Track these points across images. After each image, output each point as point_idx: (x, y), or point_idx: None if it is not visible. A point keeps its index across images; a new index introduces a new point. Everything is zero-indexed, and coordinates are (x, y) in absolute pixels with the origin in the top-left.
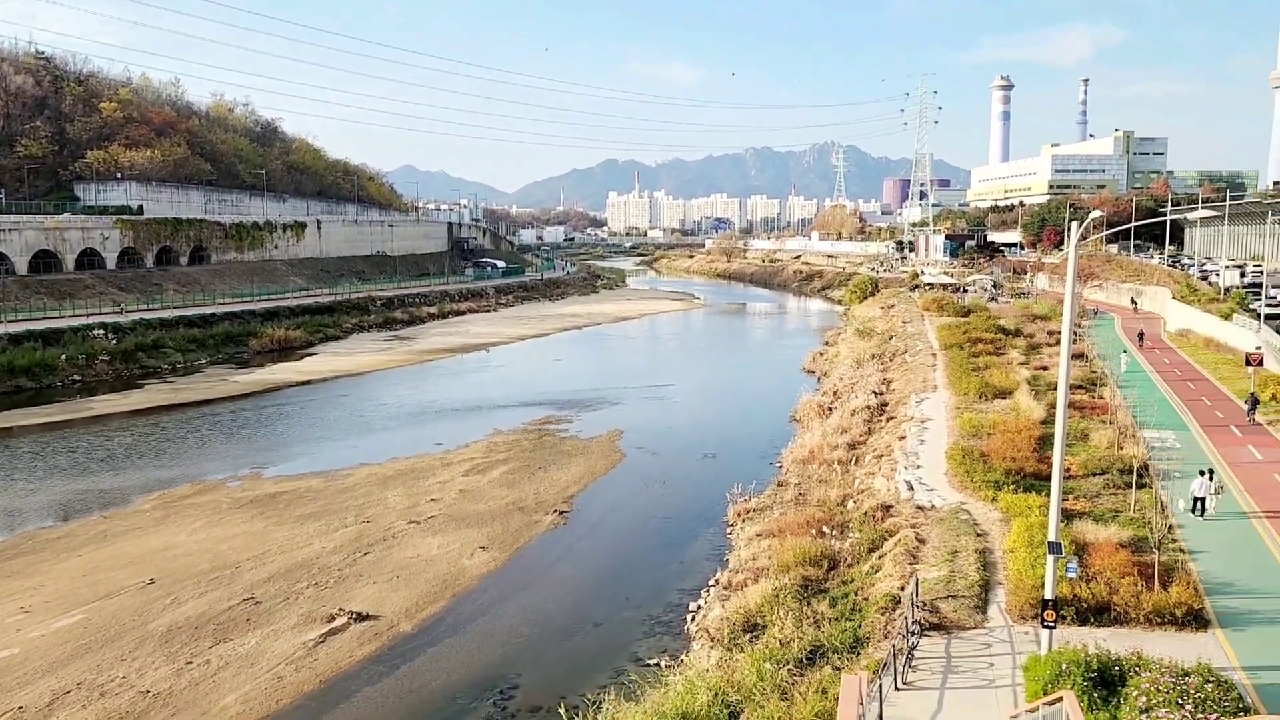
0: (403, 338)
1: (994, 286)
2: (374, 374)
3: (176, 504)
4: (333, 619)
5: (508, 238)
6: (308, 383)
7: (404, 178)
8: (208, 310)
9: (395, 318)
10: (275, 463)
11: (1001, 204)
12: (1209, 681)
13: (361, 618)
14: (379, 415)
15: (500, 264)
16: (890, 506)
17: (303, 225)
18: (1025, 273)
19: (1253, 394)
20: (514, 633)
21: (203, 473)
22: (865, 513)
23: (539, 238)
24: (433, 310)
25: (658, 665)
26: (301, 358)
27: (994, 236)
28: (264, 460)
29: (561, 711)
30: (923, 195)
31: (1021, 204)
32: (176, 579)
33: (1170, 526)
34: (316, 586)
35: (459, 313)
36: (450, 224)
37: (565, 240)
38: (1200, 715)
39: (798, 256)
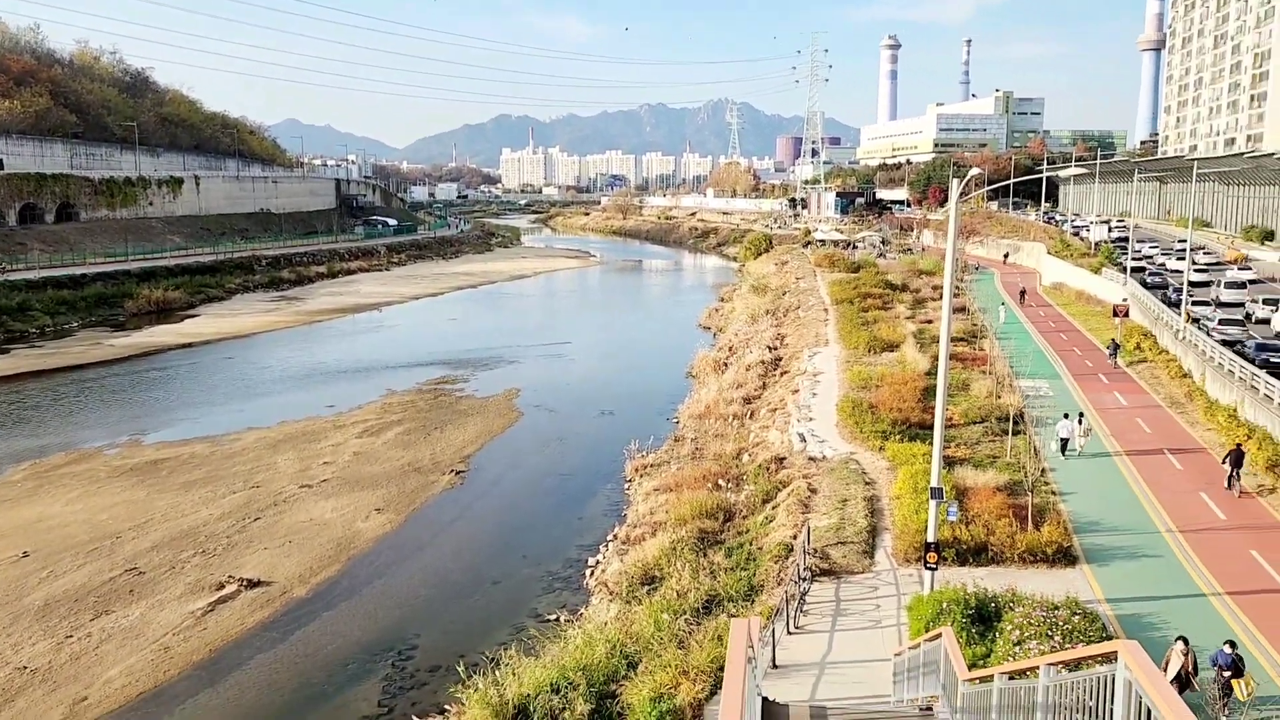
0: (290, 298)
1: (882, 243)
2: (261, 336)
3: (50, 474)
4: (222, 587)
5: (399, 195)
6: (189, 345)
7: (288, 132)
8: (78, 271)
9: (282, 278)
10: (156, 429)
11: (890, 162)
12: (1076, 614)
13: (253, 584)
14: (267, 378)
15: (392, 222)
16: (784, 459)
17: (179, 181)
18: (912, 229)
19: (1114, 340)
20: (412, 594)
21: (78, 440)
22: (760, 465)
23: (431, 195)
24: (322, 270)
25: (557, 620)
26: (182, 319)
27: (883, 194)
28: (144, 426)
29: (460, 669)
30: (815, 153)
31: (908, 162)
32: (53, 551)
33: (1043, 470)
34: (204, 555)
35: (349, 272)
36: (338, 180)
37: (459, 198)
38: (1068, 645)
39: (693, 214)
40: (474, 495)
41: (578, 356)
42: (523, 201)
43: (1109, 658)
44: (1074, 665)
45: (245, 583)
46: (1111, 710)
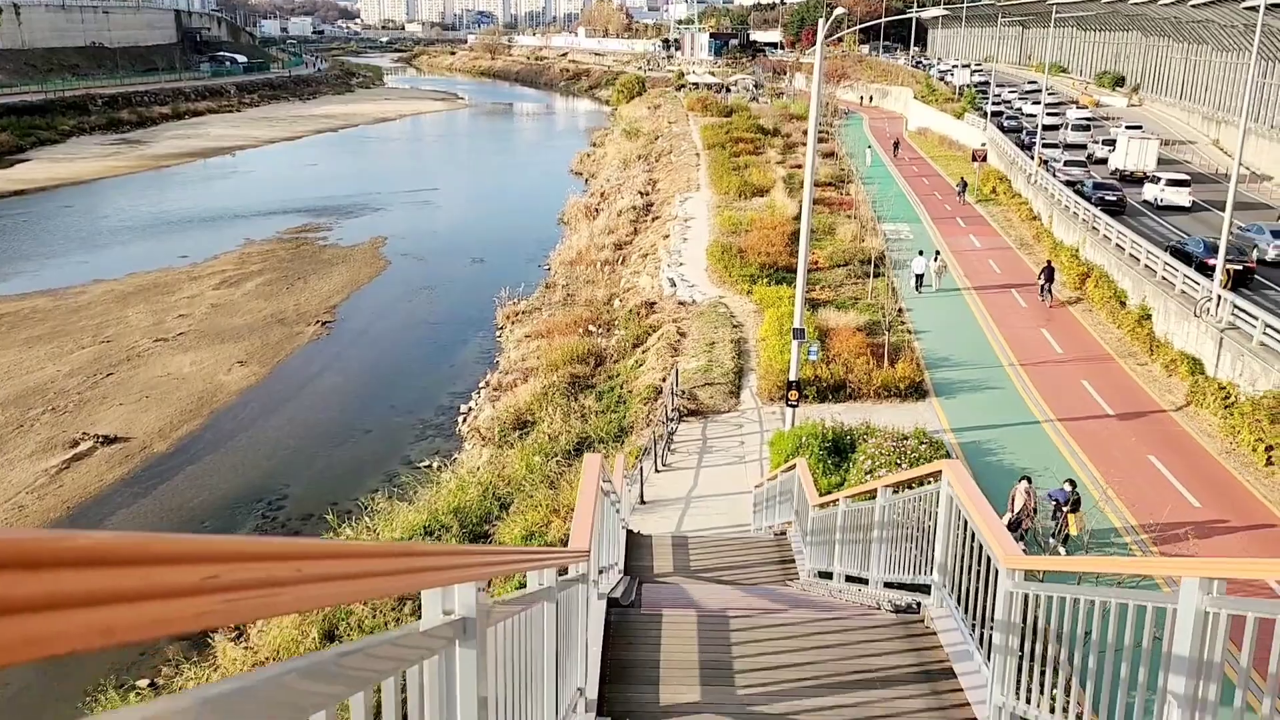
0: (133, 141)
1: (755, 86)
2: (102, 182)
3: None
4: (76, 444)
5: (248, 30)
6: (21, 193)
7: None
8: None
9: (122, 119)
10: None
11: (764, 2)
12: (923, 443)
13: (109, 441)
14: (112, 227)
15: (241, 59)
16: (654, 303)
17: None
18: (785, 73)
19: (963, 179)
20: (280, 445)
21: None
22: (630, 310)
23: (284, 30)
24: (166, 110)
25: (430, 467)
26: (12, 164)
27: (757, 36)
28: None
29: (330, 517)
30: None
31: (783, 2)
32: None
33: (900, 310)
34: (54, 412)
35: (197, 113)
36: (178, 12)
37: (314, 34)
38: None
39: (564, 54)
40: (342, 346)
41: (446, 203)
42: (384, 39)
43: (935, 476)
44: (907, 486)
45: (101, 439)
46: (935, 521)
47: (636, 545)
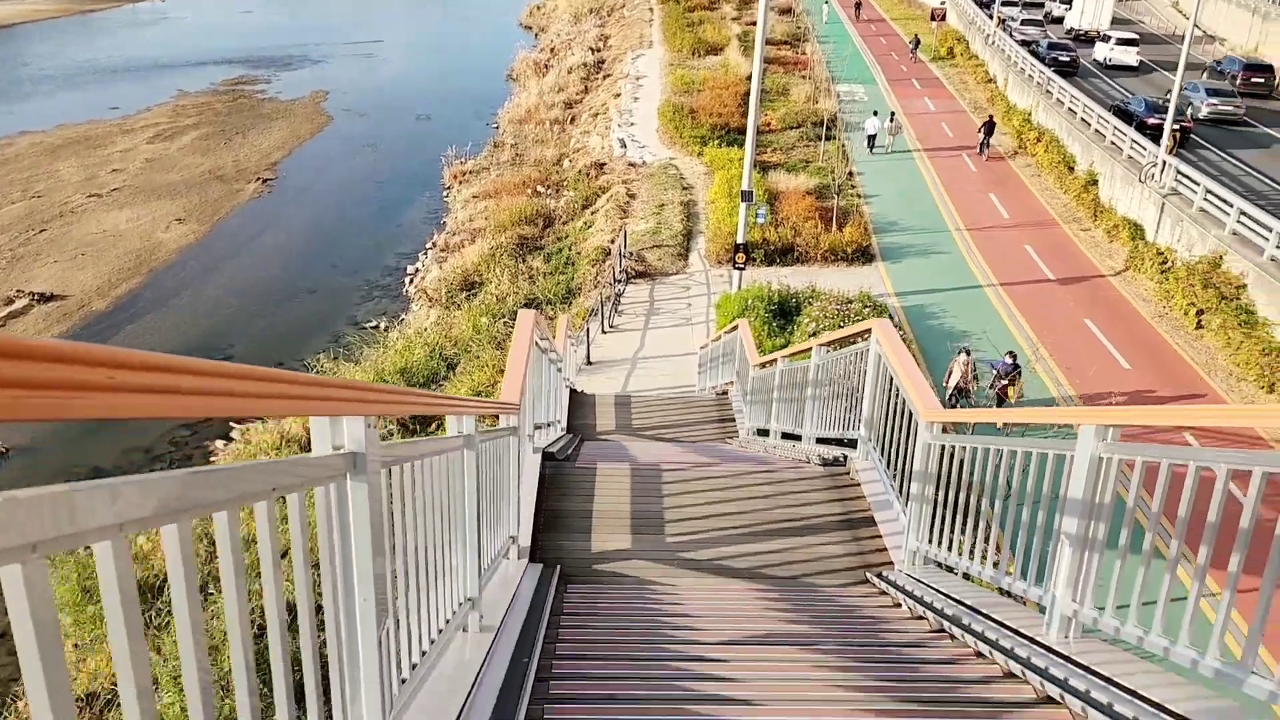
0: None
1: None
2: (23, 27)
3: None
4: (11, 301)
5: None
6: None
7: None
8: None
9: None
10: None
11: None
12: (867, 306)
13: (46, 299)
14: (36, 76)
15: None
16: (604, 164)
17: None
18: None
19: (916, 36)
20: (221, 304)
21: None
22: (580, 171)
23: None
24: None
25: (376, 327)
26: None
27: None
28: None
29: None
30: None
31: None
32: None
33: (851, 173)
34: None
35: None
36: None
37: None
38: None
39: None
40: (284, 203)
41: (390, 56)
42: None
43: (866, 335)
44: (840, 344)
45: (37, 296)
46: (864, 377)
47: (580, 404)
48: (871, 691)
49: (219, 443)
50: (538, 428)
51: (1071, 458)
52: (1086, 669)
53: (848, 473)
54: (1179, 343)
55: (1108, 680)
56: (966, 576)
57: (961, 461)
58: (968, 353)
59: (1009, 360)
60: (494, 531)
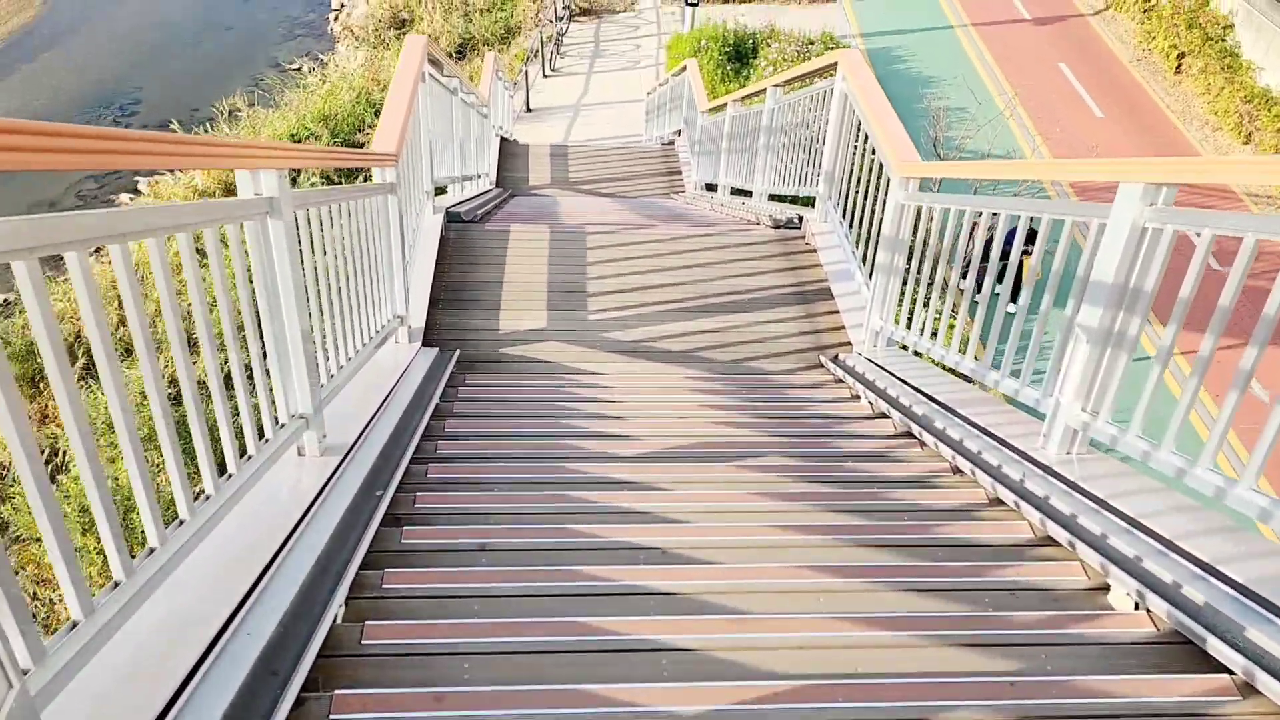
0: None
1: None
2: None
3: None
4: None
5: None
6: None
7: None
8: None
9: None
10: None
11: None
12: (830, 47)
13: None
14: None
15: None
16: None
17: None
18: None
19: None
20: (128, 42)
21: None
22: None
23: None
24: None
25: (299, 70)
26: None
27: None
28: None
29: (175, 126)
30: None
31: None
32: None
33: None
34: None
35: None
36: None
37: None
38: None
39: None
40: None
41: None
42: None
43: (830, 71)
44: (800, 84)
45: None
46: (827, 123)
47: (512, 155)
48: (825, 520)
49: (125, 196)
50: (447, 184)
51: (1100, 226)
52: (1102, 503)
53: (803, 236)
54: (1156, 89)
55: (1133, 523)
56: (938, 365)
57: (943, 229)
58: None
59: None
60: (372, 307)
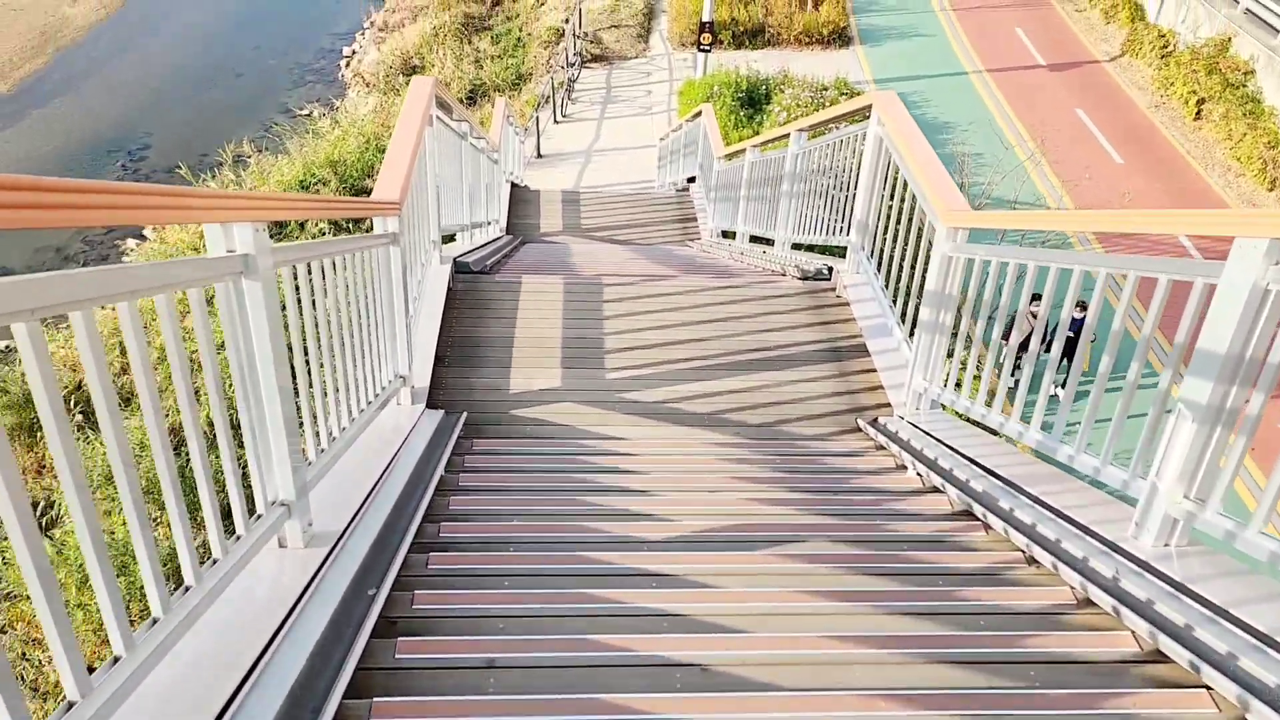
0: None
1: None
2: None
3: None
4: None
5: None
6: None
7: None
8: None
9: None
10: None
11: None
12: (844, 94)
13: None
14: None
15: None
16: None
17: None
18: None
19: None
20: (140, 88)
21: None
22: None
23: None
24: None
25: (309, 115)
26: None
27: None
28: None
29: (183, 170)
30: None
31: None
32: None
33: None
34: None
35: None
36: None
37: None
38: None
39: None
40: None
41: None
42: None
43: (862, 114)
44: (827, 128)
45: None
46: (859, 168)
47: (523, 201)
48: (894, 626)
49: (131, 242)
50: (458, 231)
51: (1208, 288)
52: (1222, 612)
53: (833, 288)
54: (1175, 135)
55: (1268, 641)
56: (991, 431)
57: (1000, 282)
58: (1038, 300)
59: (1079, 314)
60: (374, 365)
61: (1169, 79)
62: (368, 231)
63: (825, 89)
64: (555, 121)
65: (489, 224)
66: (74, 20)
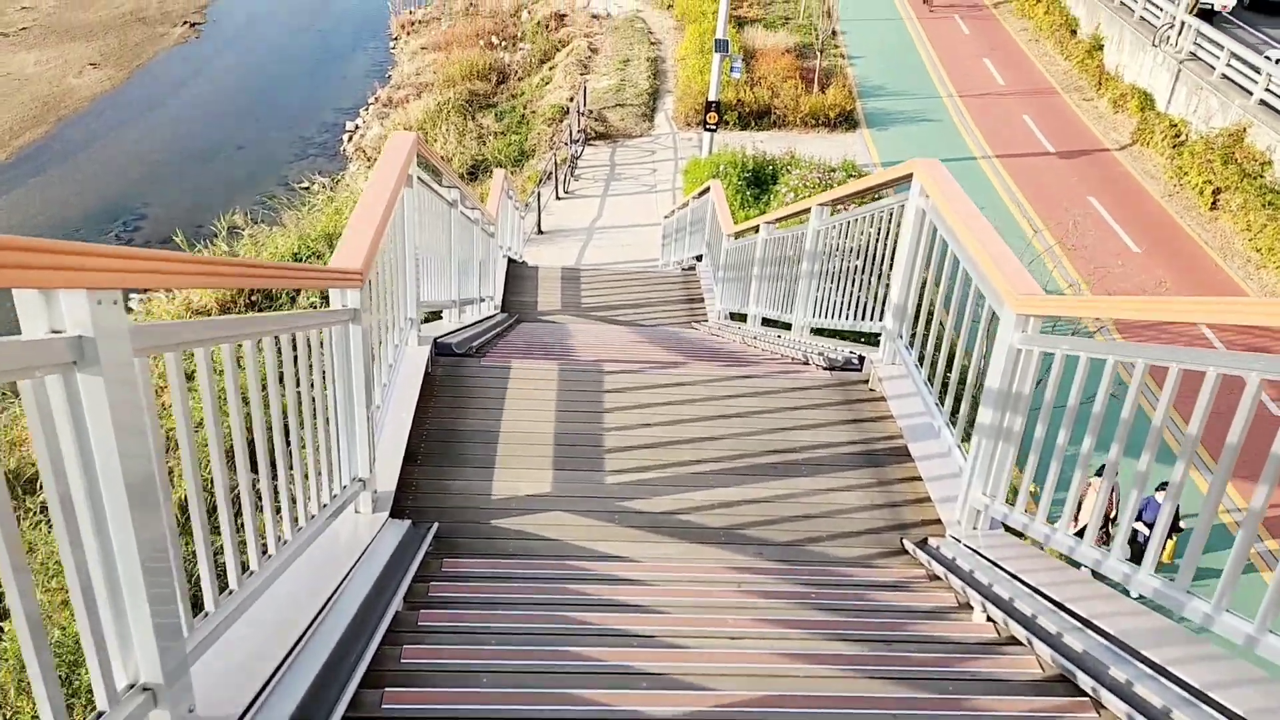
0: None
1: None
2: None
3: None
4: None
5: None
6: None
7: None
8: None
9: None
10: None
11: None
12: (851, 175)
13: None
14: None
15: None
16: (565, 15)
17: None
18: None
19: None
20: (139, 159)
21: None
22: (539, 22)
23: None
24: None
25: (308, 188)
26: None
27: None
28: None
29: (179, 237)
30: None
31: None
32: None
33: (834, 32)
34: None
35: None
36: None
37: None
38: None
39: None
40: (213, 51)
41: None
42: None
43: (898, 184)
44: (854, 202)
45: None
46: (894, 245)
47: (520, 277)
48: None
49: None
50: (444, 308)
51: None
52: None
53: (865, 381)
54: (1191, 225)
55: None
56: (1085, 569)
57: (1081, 380)
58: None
59: (1158, 498)
60: (330, 467)
61: (1183, 168)
62: (323, 308)
63: (833, 170)
64: (557, 198)
65: (481, 301)
66: (78, 91)
